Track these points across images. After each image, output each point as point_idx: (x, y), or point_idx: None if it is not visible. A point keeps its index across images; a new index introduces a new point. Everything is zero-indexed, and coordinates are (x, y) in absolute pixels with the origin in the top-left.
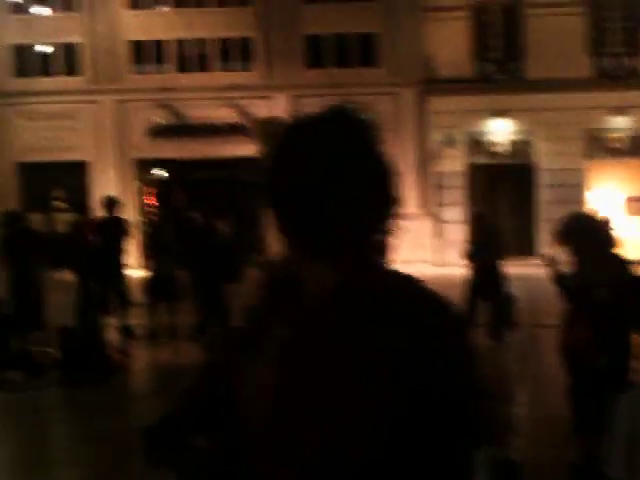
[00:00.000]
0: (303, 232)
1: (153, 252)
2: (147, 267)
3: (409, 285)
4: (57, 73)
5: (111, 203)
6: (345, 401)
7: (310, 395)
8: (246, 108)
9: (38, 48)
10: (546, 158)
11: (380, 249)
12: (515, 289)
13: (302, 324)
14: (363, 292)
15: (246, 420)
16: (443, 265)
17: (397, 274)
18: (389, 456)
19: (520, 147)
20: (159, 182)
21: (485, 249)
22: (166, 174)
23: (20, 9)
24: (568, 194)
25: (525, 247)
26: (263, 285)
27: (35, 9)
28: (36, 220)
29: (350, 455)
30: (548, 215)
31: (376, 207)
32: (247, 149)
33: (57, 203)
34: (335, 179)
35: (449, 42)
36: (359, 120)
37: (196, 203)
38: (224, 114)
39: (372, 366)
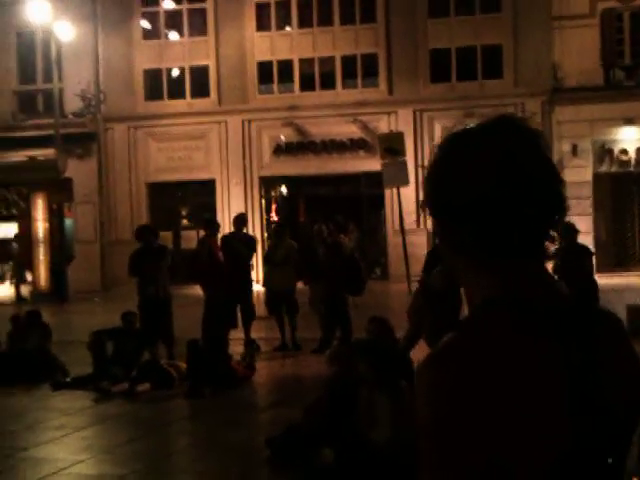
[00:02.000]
0: (474, 243)
1: (271, 267)
2: (266, 281)
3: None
4: (187, 95)
5: (240, 220)
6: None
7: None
8: (369, 124)
9: (169, 72)
10: None
11: (544, 255)
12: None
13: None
14: (531, 303)
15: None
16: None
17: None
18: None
19: None
20: (283, 198)
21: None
22: (290, 190)
23: (152, 35)
24: None
25: None
26: (417, 295)
27: (167, 34)
28: (165, 237)
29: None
30: None
31: (550, 215)
32: (369, 164)
33: (184, 221)
34: (508, 187)
35: (576, 50)
36: (528, 127)
37: (320, 218)
38: (347, 130)
39: (556, 384)
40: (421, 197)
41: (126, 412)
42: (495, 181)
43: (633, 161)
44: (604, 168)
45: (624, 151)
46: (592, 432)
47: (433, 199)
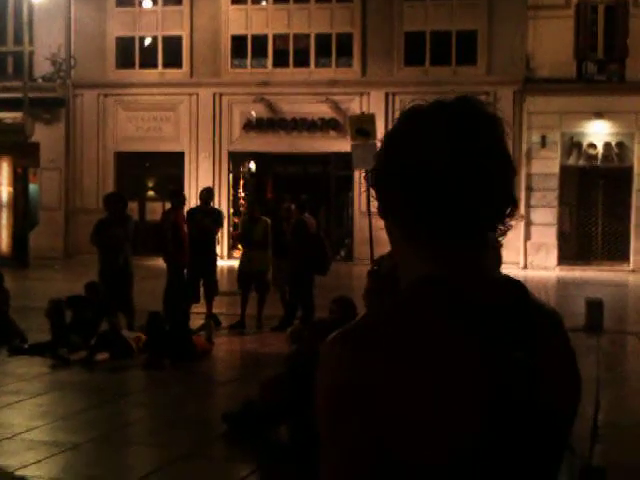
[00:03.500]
0: (415, 219)
1: (247, 245)
2: (241, 259)
3: (513, 287)
4: (159, 65)
5: (207, 194)
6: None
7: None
8: (341, 104)
9: (141, 40)
10: None
11: (492, 249)
12: (604, 295)
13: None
14: (460, 287)
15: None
16: (532, 267)
17: (501, 276)
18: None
19: (617, 150)
20: (252, 175)
21: None
22: (259, 167)
23: (126, 2)
24: None
25: (617, 253)
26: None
27: (141, 2)
28: (130, 208)
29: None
30: None
31: (496, 204)
32: (339, 144)
33: (150, 192)
34: (460, 167)
35: (550, 41)
36: (488, 111)
37: (287, 196)
38: (318, 109)
39: (475, 380)
40: None
41: (83, 380)
42: (448, 157)
43: (600, 155)
44: (571, 161)
45: (592, 145)
46: (510, 433)
47: (384, 168)
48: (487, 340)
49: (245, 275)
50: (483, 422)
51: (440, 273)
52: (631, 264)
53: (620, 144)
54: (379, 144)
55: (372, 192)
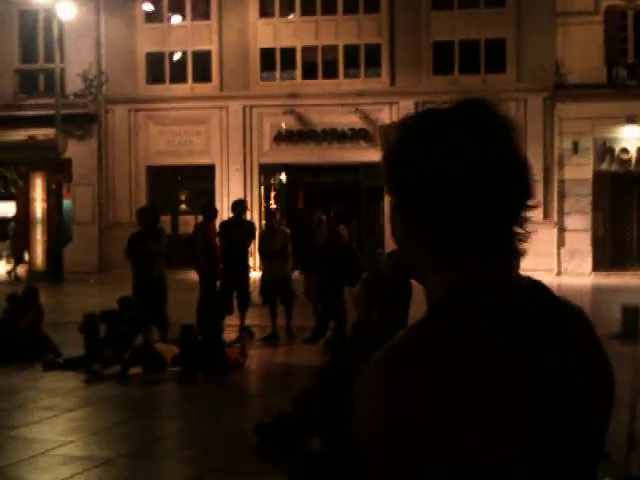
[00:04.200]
0: (440, 234)
1: (267, 255)
2: (262, 269)
3: (540, 291)
4: (189, 80)
5: (239, 206)
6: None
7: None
8: (370, 114)
9: (171, 56)
10: None
11: (513, 253)
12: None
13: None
14: (491, 301)
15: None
16: (567, 274)
17: (527, 280)
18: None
19: None
20: (282, 186)
21: None
22: (290, 179)
23: (154, 18)
24: None
25: None
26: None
27: (170, 18)
28: (163, 221)
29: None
30: None
31: (513, 206)
32: (370, 155)
33: (182, 205)
34: (473, 172)
35: (580, 47)
36: (501, 113)
37: (319, 207)
38: (348, 120)
39: (521, 391)
40: None
41: (117, 395)
42: (465, 162)
43: (634, 160)
44: (604, 166)
45: (625, 150)
46: (559, 437)
47: (398, 179)
48: (523, 353)
49: (268, 285)
50: (529, 437)
51: (470, 287)
52: None
53: None
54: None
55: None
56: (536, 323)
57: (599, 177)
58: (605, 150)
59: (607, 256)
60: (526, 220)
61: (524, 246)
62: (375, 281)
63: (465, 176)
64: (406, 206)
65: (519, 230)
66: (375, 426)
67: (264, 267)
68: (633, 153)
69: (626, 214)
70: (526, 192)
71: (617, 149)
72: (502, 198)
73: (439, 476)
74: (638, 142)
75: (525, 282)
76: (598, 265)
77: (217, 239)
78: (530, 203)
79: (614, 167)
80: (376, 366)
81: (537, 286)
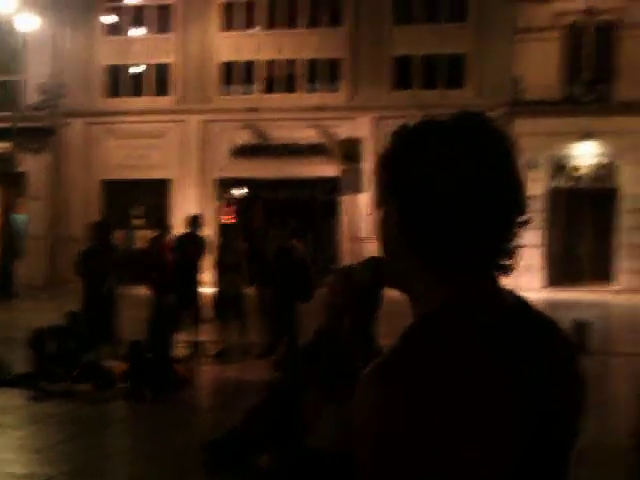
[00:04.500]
0: (422, 237)
1: (221, 270)
2: (216, 284)
3: (522, 305)
4: (148, 93)
5: (194, 221)
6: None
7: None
8: (329, 129)
9: (130, 69)
10: (629, 182)
11: (502, 268)
12: (591, 316)
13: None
14: (473, 311)
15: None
16: (519, 290)
17: (510, 294)
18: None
19: (604, 171)
20: (239, 201)
21: None
22: (246, 193)
23: (115, 30)
24: None
25: (604, 273)
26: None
27: (130, 31)
28: (117, 236)
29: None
30: (629, 241)
31: (504, 221)
32: (327, 169)
33: (137, 220)
34: (466, 186)
35: (539, 63)
36: (497, 127)
37: (274, 222)
38: (307, 134)
39: (507, 403)
40: None
41: (63, 412)
42: (462, 175)
43: (587, 177)
44: (559, 182)
45: (578, 167)
46: (539, 445)
47: (392, 186)
48: (510, 366)
49: (221, 300)
50: (514, 447)
51: (462, 302)
52: (617, 284)
53: (607, 165)
54: (368, 167)
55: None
56: (521, 337)
57: (555, 193)
58: (559, 166)
59: (560, 271)
60: (516, 236)
61: (513, 261)
62: (352, 289)
63: (458, 189)
64: (399, 213)
65: (509, 245)
66: (367, 438)
67: (218, 282)
68: (586, 169)
69: (579, 230)
70: (519, 208)
71: (572, 165)
72: (494, 213)
73: None
74: (593, 158)
75: (509, 296)
76: (550, 280)
77: (169, 254)
78: (522, 219)
79: (568, 183)
80: (368, 379)
81: (520, 301)
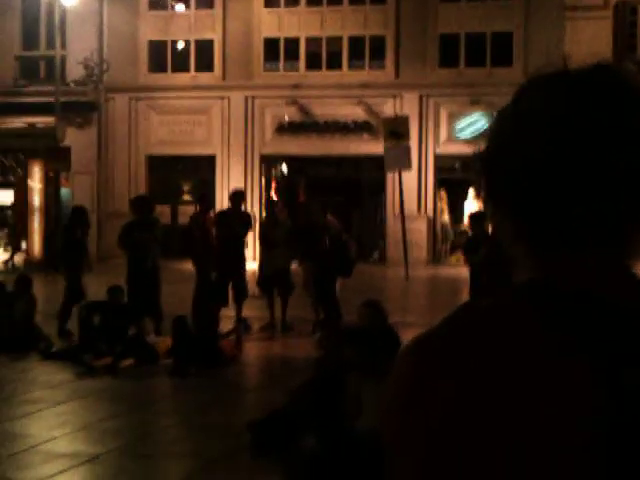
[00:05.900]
0: (538, 225)
1: (266, 246)
2: (261, 260)
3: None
4: (190, 69)
5: (236, 196)
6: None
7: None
8: (374, 106)
9: (173, 44)
10: None
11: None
12: None
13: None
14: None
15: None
16: None
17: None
18: None
19: None
20: (283, 178)
21: None
22: (290, 170)
23: (158, 6)
24: None
25: None
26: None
27: (173, 6)
28: (163, 211)
29: None
30: None
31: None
32: (372, 147)
33: (182, 196)
34: (608, 150)
35: (587, 42)
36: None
37: (318, 199)
38: (351, 111)
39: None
40: (423, 183)
41: (107, 388)
42: (596, 140)
43: None
44: None
45: None
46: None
47: (499, 156)
48: (609, 364)
49: (266, 276)
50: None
51: (554, 277)
52: None
53: None
54: (415, 148)
55: (407, 195)
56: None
57: None
58: None
59: None
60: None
61: None
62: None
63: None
64: (508, 195)
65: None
66: (395, 419)
67: (263, 258)
68: None
69: None
70: None
71: None
72: (616, 184)
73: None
74: None
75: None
76: None
77: (213, 229)
78: None
79: None
80: (405, 352)
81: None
